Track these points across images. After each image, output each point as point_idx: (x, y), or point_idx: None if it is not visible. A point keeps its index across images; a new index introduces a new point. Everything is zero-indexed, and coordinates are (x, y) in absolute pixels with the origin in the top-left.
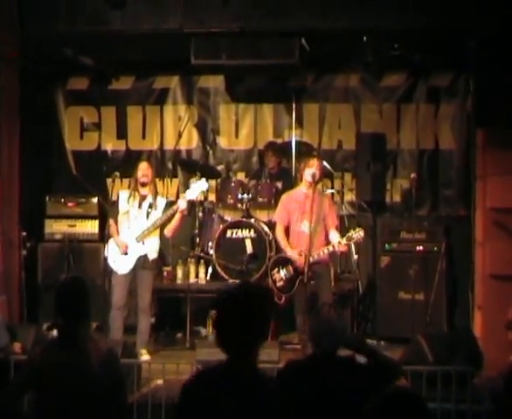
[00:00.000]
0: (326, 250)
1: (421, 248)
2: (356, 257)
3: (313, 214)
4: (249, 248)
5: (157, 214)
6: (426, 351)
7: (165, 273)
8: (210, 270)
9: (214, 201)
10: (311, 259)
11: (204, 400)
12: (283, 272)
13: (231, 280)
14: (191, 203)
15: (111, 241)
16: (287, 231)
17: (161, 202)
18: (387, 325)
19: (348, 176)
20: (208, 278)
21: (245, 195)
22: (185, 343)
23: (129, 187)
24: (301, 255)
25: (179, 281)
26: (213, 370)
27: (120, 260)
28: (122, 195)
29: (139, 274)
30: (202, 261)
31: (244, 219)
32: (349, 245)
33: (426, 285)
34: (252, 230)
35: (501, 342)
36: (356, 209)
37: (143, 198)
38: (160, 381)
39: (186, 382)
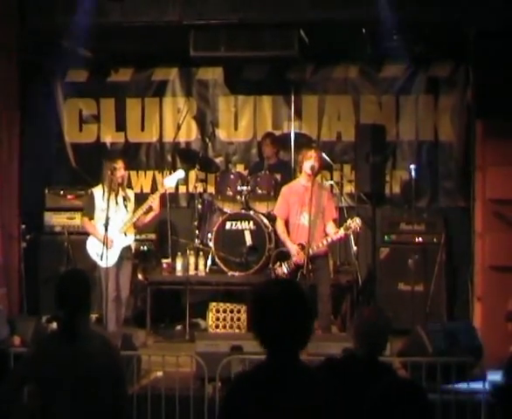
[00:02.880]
0: (325, 242)
1: (421, 239)
2: (355, 248)
3: (312, 206)
4: (248, 240)
5: (132, 205)
6: (426, 342)
7: (164, 265)
8: (209, 262)
9: (213, 193)
10: (311, 252)
11: (259, 402)
12: (285, 266)
13: (230, 272)
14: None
15: (91, 238)
16: (286, 224)
17: (131, 193)
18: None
19: (347, 168)
20: (207, 270)
21: (245, 187)
22: (185, 335)
23: (103, 184)
24: (301, 248)
25: (178, 273)
26: (259, 370)
27: (105, 254)
28: (97, 192)
29: (122, 265)
30: (201, 253)
31: (243, 211)
32: (346, 234)
33: (426, 277)
34: (252, 222)
35: (501, 333)
36: (355, 201)
37: (117, 193)
38: (160, 373)
39: (233, 388)
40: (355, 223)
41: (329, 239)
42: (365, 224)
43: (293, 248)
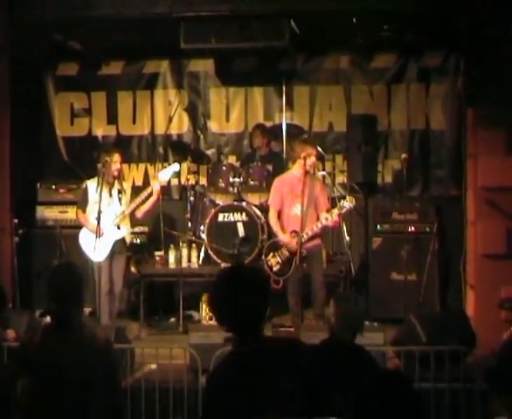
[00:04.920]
0: (319, 225)
1: (413, 229)
2: (348, 238)
3: (305, 197)
4: (241, 231)
5: (127, 198)
6: (419, 331)
7: (157, 258)
8: (202, 254)
9: (205, 185)
10: (303, 238)
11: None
12: (278, 257)
13: (223, 264)
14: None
15: (84, 230)
16: (279, 215)
17: (127, 186)
18: (380, 306)
19: (339, 158)
20: (200, 262)
21: (237, 179)
22: (178, 327)
23: (98, 176)
24: (294, 236)
25: (171, 266)
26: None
27: (97, 246)
28: (91, 185)
29: (115, 258)
30: (194, 245)
31: (235, 203)
32: (340, 214)
33: (419, 266)
34: (244, 214)
35: (494, 321)
36: (347, 191)
37: (112, 186)
38: (153, 366)
39: (215, 375)
40: (349, 203)
41: (324, 221)
42: (358, 214)
43: (285, 237)
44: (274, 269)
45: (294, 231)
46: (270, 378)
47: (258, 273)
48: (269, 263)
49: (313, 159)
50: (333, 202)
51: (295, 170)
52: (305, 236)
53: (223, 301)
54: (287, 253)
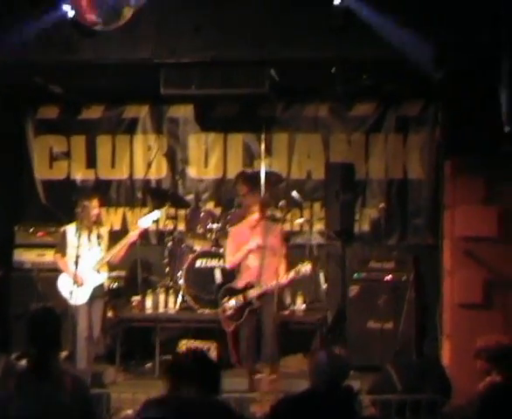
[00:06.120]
0: (274, 283)
1: (390, 277)
2: (324, 286)
3: (262, 247)
4: (218, 278)
5: (105, 243)
6: (395, 380)
7: (134, 303)
8: (179, 299)
9: (183, 230)
10: (259, 291)
11: None
12: (233, 301)
13: (200, 310)
14: (160, 233)
15: (63, 275)
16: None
17: (105, 231)
18: (356, 354)
19: (317, 206)
20: (177, 307)
21: (215, 225)
22: (155, 372)
23: (77, 221)
24: (249, 287)
25: (148, 310)
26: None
27: (76, 292)
28: (69, 229)
29: (94, 303)
30: (171, 291)
31: (213, 249)
32: (296, 278)
33: (395, 314)
34: (222, 260)
35: (470, 371)
36: (325, 239)
37: (90, 230)
38: (130, 411)
39: None
40: (305, 268)
41: (280, 281)
42: (335, 262)
43: (242, 285)
44: (227, 313)
45: (249, 283)
46: None
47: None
48: (224, 306)
49: (256, 215)
50: (310, 251)
51: (246, 222)
52: (259, 290)
53: None
54: (242, 300)
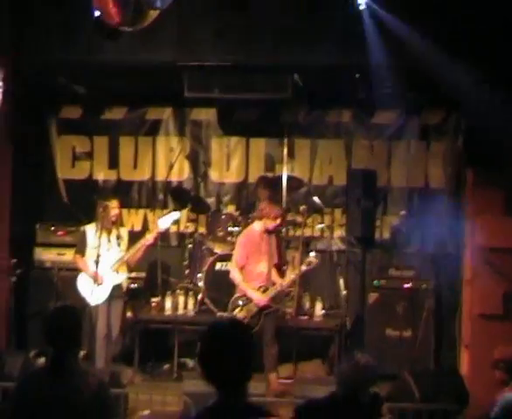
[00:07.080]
0: (286, 280)
1: (409, 285)
2: (344, 292)
3: (268, 254)
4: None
5: (125, 243)
6: (413, 388)
7: (153, 304)
8: (198, 301)
9: (204, 233)
10: (273, 293)
11: None
12: (245, 311)
13: (219, 313)
14: (180, 235)
15: (82, 275)
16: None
17: (125, 231)
18: (374, 361)
19: (338, 212)
20: (196, 309)
21: (235, 228)
22: (172, 374)
23: (97, 222)
24: (264, 291)
25: (167, 312)
26: (210, 410)
27: (95, 291)
28: (89, 229)
29: (112, 303)
30: (191, 293)
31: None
32: (307, 270)
33: (414, 323)
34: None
35: (488, 381)
36: (345, 245)
37: (110, 231)
38: (146, 412)
39: None
40: (313, 258)
41: (292, 277)
42: (355, 268)
43: (257, 294)
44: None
45: (264, 287)
46: None
47: (243, 332)
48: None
49: (278, 222)
50: (331, 256)
51: (258, 225)
52: (273, 292)
53: (206, 359)
54: (254, 308)
